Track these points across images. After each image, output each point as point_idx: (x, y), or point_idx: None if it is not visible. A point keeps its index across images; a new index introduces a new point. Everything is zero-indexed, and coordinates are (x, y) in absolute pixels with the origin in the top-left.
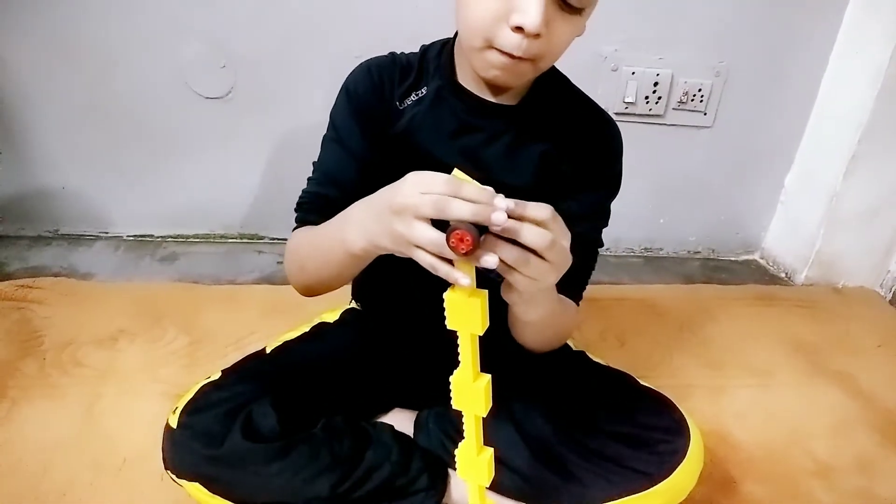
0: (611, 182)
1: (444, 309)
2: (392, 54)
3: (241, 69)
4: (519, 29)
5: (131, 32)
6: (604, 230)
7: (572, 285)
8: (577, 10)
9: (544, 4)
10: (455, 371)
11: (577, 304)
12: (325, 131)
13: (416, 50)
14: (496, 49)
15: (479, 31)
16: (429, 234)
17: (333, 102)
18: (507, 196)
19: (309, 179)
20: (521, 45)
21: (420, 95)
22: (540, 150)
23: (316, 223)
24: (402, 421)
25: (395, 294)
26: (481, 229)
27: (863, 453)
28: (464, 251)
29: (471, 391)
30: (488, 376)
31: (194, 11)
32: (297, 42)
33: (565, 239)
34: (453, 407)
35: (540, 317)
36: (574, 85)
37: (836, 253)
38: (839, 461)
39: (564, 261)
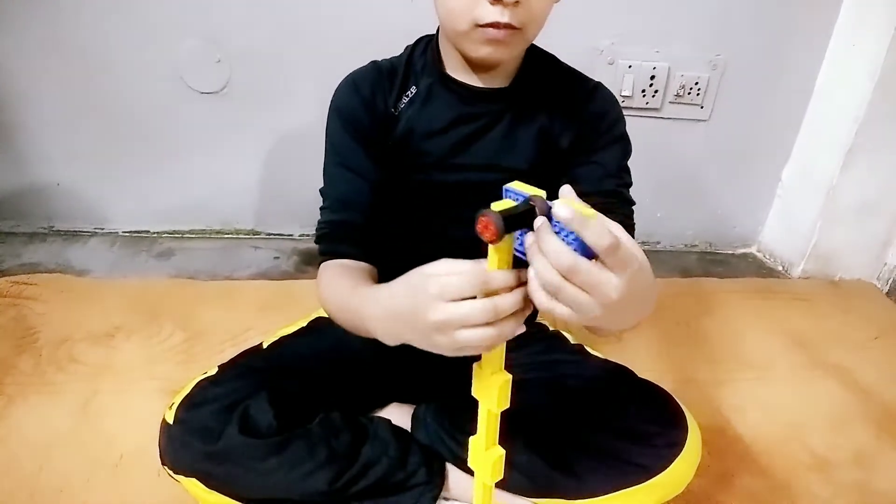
0: (620, 141)
1: None
2: (373, 63)
3: (237, 64)
4: (498, 0)
5: (126, 28)
6: None
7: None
8: None
9: None
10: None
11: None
12: (313, 128)
13: (408, 43)
14: (481, 26)
15: (461, 14)
16: (474, 313)
17: (326, 123)
18: (505, 177)
19: (322, 209)
20: (504, 14)
21: (411, 95)
22: (537, 127)
23: (343, 254)
24: (399, 416)
25: None
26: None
27: (860, 447)
28: (490, 238)
29: (487, 388)
30: (508, 375)
31: (189, 6)
32: (291, 36)
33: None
34: (472, 394)
35: (637, 316)
36: (561, 61)
37: (833, 246)
38: (836, 454)
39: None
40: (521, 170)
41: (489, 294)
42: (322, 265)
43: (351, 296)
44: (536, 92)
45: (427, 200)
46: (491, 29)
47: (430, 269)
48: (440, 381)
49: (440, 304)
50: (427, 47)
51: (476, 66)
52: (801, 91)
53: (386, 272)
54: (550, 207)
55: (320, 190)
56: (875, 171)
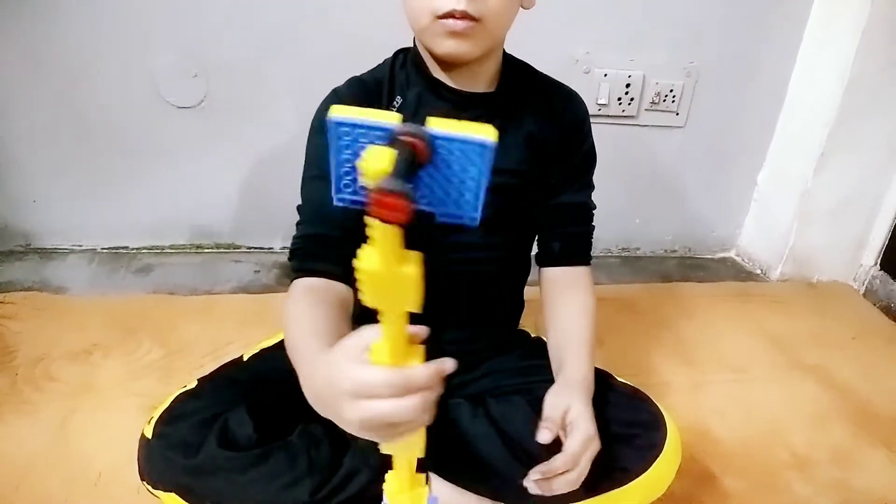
0: (591, 151)
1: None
2: (354, 78)
3: (214, 78)
4: None
5: (102, 42)
6: None
7: (583, 250)
8: None
9: None
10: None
11: (589, 265)
12: (292, 141)
13: (385, 54)
14: (441, 18)
15: (421, 7)
16: (396, 413)
17: (307, 139)
18: (501, 179)
19: (298, 224)
20: (459, 3)
21: (398, 104)
22: (525, 131)
23: (316, 271)
24: None
25: None
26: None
27: (839, 445)
28: (399, 220)
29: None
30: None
31: (165, 21)
32: (268, 50)
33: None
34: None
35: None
36: (537, 70)
37: (809, 248)
38: (816, 454)
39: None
40: (517, 171)
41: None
42: (293, 283)
43: (299, 343)
44: (521, 98)
45: None
46: (450, 20)
47: (343, 365)
48: None
49: (356, 402)
50: (406, 58)
51: (450, 66)
52: (774, 96)
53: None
54: (432, 137)
55: (297, 207)
56: (847, 173)
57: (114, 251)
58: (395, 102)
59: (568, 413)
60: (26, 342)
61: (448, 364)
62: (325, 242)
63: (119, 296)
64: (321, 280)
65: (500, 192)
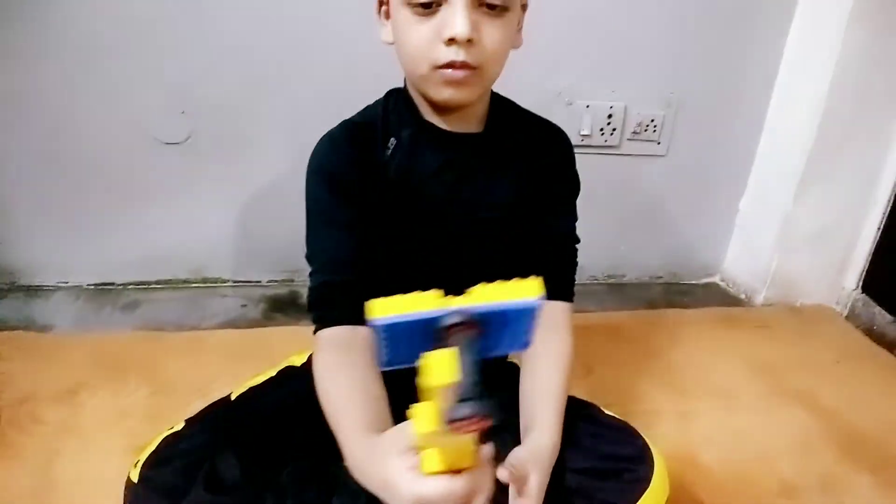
0: (574, 183)
1: None
2: (346, 122)
3: (200, 115)
4: (452, 41)
5: (88, 79)
6: None
7: (565, 287)
8: (501, 10)
9: (468, 12)
10: None
11: (571, 300)
12: (278, 177)
13: (373, 90)
14: (440, 68)
15: (420, 57)
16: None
17: (305, 188)
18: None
19: (311, 274)
20: (459, 54)
21: (393, 146)
22: (515, 168)
23: (339, 319)
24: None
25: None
26: None
27: (826, 471)
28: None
29: None
30: None
31: (152, 58)
32: (255, 87)
33: None
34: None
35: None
36: (521, 107)
37: (792, 273)
38: (803, 480)
39: None
40: (508, 205)
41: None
42: (318, 336)
43: (341, 419)
44: (508, 136)
45: (421, 245)
46: (449, 70)
47: (400, 477)
48: None
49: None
50: (398, 100)
51: (444, 110)
52: (753, 125)
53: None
54: (481, 315)
55: (306, 256)
56: (827, 199)
57: (100, 287)
58: (389, 144)
59: (527, 483)
60: (11, 383)
61: (501, 474)
62: (343, 289)
63: (105, 333)
64: (345, 329)
65: (493, 226)
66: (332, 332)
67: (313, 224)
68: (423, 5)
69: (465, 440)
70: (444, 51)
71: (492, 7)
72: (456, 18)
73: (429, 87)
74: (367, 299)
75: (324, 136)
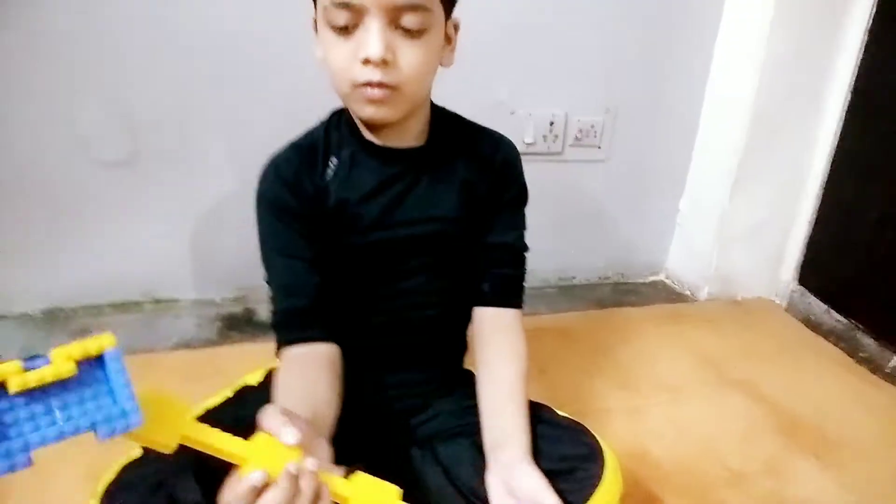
0: (522, 192)
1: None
2: (291, 144)
3: (142, 132)
4: (367, 61)
5: (24, 97)
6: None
7: (514, 293)
8: (418, 33)
9: (381, 35)
10: None
11: (521, 307)
12: (225, 192)
13: (314, 103)
14: (359, 86)
15: (341, 77)
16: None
17: (256, 211)
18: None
19: (271, 299)
20: (375, 73)
21: (334, 166)
22: (458, 180)
23: (299, 340)
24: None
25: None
26: None
27: (770, 457)
28: None
29: None
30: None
31: (90, 74)
32: (197, 101)
33: None
34: None
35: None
36: (465, 118)
37: (731, 268)
38: (749, 467)
39: None
40: (452, 217)
41: None
42: (280, 354)
43: None
44: (451, 148)
45: (371, 260)
46: (367, 88)
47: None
48: (376, 444)
49: None
50: (341, 119)
51: (378, 127)
52: (687, 129)
53: (347, 337)
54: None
55: (265, 279)
56: (760, 196)
57: (48, 313)
58: (330, 163)
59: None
60: None
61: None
62: (303, 313)
63: None
64: (305, 346)
65: (439, 239)
66: (292, 352)
67: (266, 251)
68: (341, 28)
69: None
70: (361, 70)
71: (407, 30)
72: (370, 40)
73: (352, 105)
74: (328, 317)
75: (269, 161)
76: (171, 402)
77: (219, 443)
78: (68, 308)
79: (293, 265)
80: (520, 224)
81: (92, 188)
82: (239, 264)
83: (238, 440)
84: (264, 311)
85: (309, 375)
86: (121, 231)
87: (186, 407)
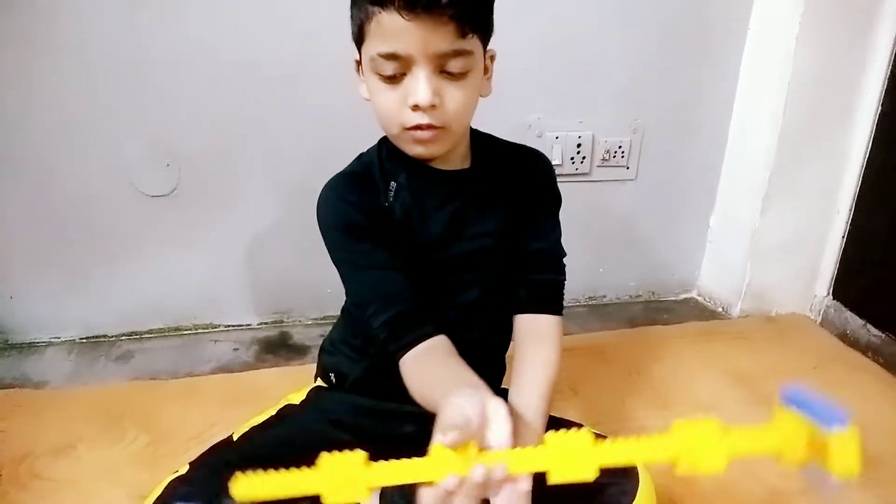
0: (556, 199)
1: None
2: (343, 172)
3: (185, 166)
4: (416, 107)
5: (72, 134)
6: None
7: (550, 299)
8: (461, 75)
9: (429, 83)
10: None
11: (560, 314)
12: (265, 221)
13: (353, 136)
14: (409, 129)
15: (390, 120)
16: None
17: (326, 242)
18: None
19: (370, 317)
20: (424, 118)
21: (394, 188)
22: (503, 196)
23: (413, 342)
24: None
25: (370, 368)
26: None
27: None
28: None
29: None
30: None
31: (135, 112)
32: (238, 136)
33: None
34: None
35: None
36: (500, 138)
37: (764, 284)
38: (788, 485)
39: None
40: (500, 231)
41: None
42: (402, 362)
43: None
44: (493, 167)
45: (432, 276)
46: (417, 131)
47: None
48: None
49: None
50: (390, 147)
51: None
52: (716, 145)
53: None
54: None
55: (356, 304)
56: (792, 211)
57: (93, 340)
58: (391, 188)
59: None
60: (8, 441)
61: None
62: (409, 316)
63: (100, 385)
64: (423, 345)
65: (490, 252)
66: (412, 354)
67: (347, 272)
68: (389, 77)
69: None
70: (411, 115)
71: (451, 74)
72: (419, 88)
73: (401, 144)
74: (428, 312)
75: (326, 189)
76: (345, 457)
77: (404, 476)
78: (111, 335)
79: (383, 275)
80: (555, 229)
81: (135, 220)
82: (275, 289)
83: (417, 462)
84: (299, 335)
85: (447, 362)
86: (161, 261)
87: (357, 455)
